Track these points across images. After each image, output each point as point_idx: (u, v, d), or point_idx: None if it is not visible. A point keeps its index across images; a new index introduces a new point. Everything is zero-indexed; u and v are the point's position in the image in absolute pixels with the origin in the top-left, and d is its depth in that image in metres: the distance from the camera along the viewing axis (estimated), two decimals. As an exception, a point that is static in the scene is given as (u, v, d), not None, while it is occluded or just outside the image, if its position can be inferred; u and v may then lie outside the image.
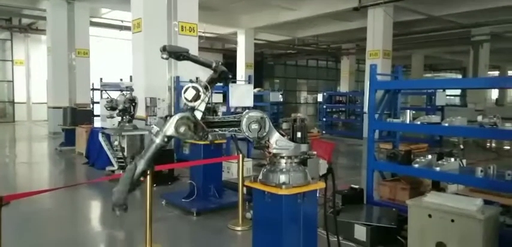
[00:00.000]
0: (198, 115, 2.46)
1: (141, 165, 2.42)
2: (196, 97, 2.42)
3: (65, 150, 10.21)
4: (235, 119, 2.64)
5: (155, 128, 2.45)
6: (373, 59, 13.09)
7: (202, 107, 2.47)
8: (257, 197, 2.77)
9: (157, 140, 2.43)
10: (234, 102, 8.03)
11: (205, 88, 2.47)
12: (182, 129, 2.41)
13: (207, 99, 2.47)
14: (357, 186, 5.01)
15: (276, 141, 2.64)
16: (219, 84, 5.80)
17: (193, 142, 5.48)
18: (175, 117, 2.43)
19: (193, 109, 2.46)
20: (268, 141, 2.65)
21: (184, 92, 2.41)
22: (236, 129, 2.61)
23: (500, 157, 9.98)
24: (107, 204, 6.10)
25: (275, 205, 2.64)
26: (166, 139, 2.43)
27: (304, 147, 2.66)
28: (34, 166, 9.30)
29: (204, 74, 5.34)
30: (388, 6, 12.96)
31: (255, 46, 19.26)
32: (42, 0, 14.07)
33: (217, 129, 2.69)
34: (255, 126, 2.55)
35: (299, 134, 2.67)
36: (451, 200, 3.61)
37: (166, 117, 2.53)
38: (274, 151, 2.64)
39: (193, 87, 2.44)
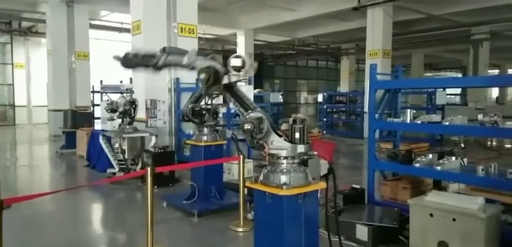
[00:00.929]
0: (226, 81, 2.68)
1: (161, 60, 2.82)
2: (238, 69, 2.61)
3: (65, 152, 10.21)
4: (249, 105, 2.74)
5: (192, 54, 2.79)
6: (373, 59, 13.08)
7: (233, 79, 2.67)
8: (258, 198, 2.77)
9: (185, 61, 2.77)
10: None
11: (247, 72, 2.68)
12: (203, 75, 2.65)
13: (243, 80, 2.69)
14: (358, 186, 5.01)
15: (272, 141, 2.66)
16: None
17: (192, 142, 5.48)
18: (208, 63, 2.68)
19: (227, 72, 2.63)
20: (266, 141, 2.68)
21: (234, 57, 2.64)
22: (243, 111, 2.74)
23: (501, 155, 9.96)
24: (109, 206, 6.10)
25: (276, 205, 2.64)
26: (190, 68, 2.77)
27: (301, 148, 2.67)
28: (35, 169, 9.30)
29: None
30: (387, 5, 12.94)
31: (254, 47, 19.26)
32: (41, 4, 14.08)
33: (232, 98, 2.80)
34: (247, 127, 2.60)
35: (297, 135, 2.68)
36: (453, 199, 3.61)
37: (207, 55, 2.78)
38: (270, 151, 2.67)
39: (243, 60, 2.63)
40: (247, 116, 2.67)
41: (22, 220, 4.91)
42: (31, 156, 11.54)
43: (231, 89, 2.74)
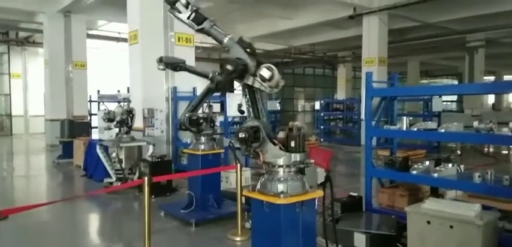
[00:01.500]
0: (249, 82, 2.71)
1: (207, 27, 2.84)
2: (264, 79, 2.64)
3: (62, 162, 10.17)
4: (259, 111, 2.79)
5: (233, 39, 2.80)
6: (369, 67, 13.15)
7: (255, 84, 2.70)
8: (255, 207, 2.78)
9: (225, 41, 2.80)
10: (232, 111, 8.04)
11: (271, 86, 2.69)
12: (230, 67, 2.65)
13: (264, 88, 2.69)
14: (355, 194, 5.00)
15: (268, 150, 2.67)
16: (216, 94, 5.78)
17: (190, 151, 5.48)
18: (241, 56, 2.71)
19: (254, 74, 2.68)
20: (261, 150, 2.69)
21: (265, 66, 2.66)
22: (251, 115, 2.79)
23: (498, 162, 10.00)
24: (106, 216, 6.07)
25: (273, 214, 2.64)
26: (226, 48, 2.81)
27: (297, 156, 2.68)
28: (32, 179, 9.25)
29: (202, 84, 5.45)
30: (382, 14, 13.06)
31: (251, 55, 19.31)
32: (39, 14, 14.11)
33: (248, 97, 2.81)
34: (242, 135, 2.62)
35: (293, 143, 2.69)
36: (450, 206, 3.62)
37: (246, 45, 2.78)
38: (266, 160, 2.68)
39: (273, 74, 2.63)
40: (245, 125, 2.70)
41: (19, 230, 4.88)
42: (28, 166, 11.49)
43: (251, 90, 2.77)
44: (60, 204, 6.16)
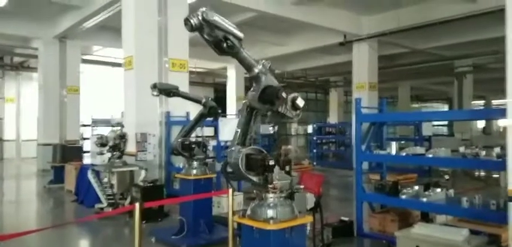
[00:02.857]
0: (280, 109, 2.75)
1: (236, 48, 2.72)
2: (296, 108, 2.73)
3: (53, 187, 10.06)
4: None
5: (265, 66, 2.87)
6: (360, 91, 13.33)
7: (288, 114, 2.76)
8: (246, 232, 2.80)
9: (258, 69, 2.85)
10: (225, 136, 8.08)
11: (298, 115, 2.77)
12: (285, 94, 2.68)
13: (291, 116, 2.76)
14: (346, 218, 5.04)
15: (278, 174, 2.70)
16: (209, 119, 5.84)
17: (182, 176, 5.49)
18: (276, 82, 2.78)
19: (285, 103, 2.73)
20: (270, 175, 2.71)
21: (301, 97, 2.75)
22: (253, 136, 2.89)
23: (488, 186, 10.08)
24: (96, 242, 6.00)
25: (263, 240, 2.67)
26: (253, 78, 2.83)
27: (295, 180, 2.74)
28: (22, 204, 9.13)
29: (195, 109, 5.53)
30: (372, 40, 13.35)
31: (245, 80, 19.52)
32: (34, 39, 14.20)
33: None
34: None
35: (288, 168, 2.74)
36: (439, 231, 3.67)
37: (273, 71, 2.88)
38: (278, 184, 2.70)
39: (303, 106, 2.73)
40: (246, 152, 2.71)
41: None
42: (18, 191, 11.34)
43: (251, 115, 2.88)
44: (51, 230, 6.07)
